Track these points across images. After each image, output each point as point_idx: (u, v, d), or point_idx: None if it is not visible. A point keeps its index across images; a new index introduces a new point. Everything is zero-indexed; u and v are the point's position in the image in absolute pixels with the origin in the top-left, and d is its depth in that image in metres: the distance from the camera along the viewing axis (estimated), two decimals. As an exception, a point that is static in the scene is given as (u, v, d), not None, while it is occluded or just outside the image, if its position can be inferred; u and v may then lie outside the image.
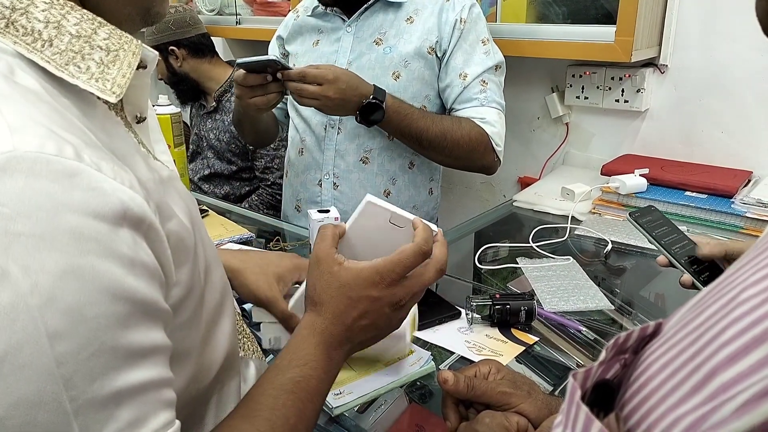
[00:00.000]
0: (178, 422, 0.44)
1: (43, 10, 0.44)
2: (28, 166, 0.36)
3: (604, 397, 0.33)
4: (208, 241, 0.59)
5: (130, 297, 0.40)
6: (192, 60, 2.08)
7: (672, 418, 0.26)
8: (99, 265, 0.38)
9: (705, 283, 0.84)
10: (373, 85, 1.23)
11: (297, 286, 0.82)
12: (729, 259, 0.86)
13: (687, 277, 0.86)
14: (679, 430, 0.25)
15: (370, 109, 1.21)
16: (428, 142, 1.29)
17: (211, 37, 2.14)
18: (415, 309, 0.85)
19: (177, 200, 0.51)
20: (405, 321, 0.79)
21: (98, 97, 0.46)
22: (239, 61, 1.14)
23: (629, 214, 0.93)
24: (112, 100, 0.44)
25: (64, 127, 0.40)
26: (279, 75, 1.16)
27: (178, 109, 1.45)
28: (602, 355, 0.32)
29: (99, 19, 0.46)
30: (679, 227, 0.91)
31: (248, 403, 0.54)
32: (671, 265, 0.88)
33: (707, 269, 0.85)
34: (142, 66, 0.51)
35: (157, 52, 0.53)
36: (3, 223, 0.35)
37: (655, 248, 0.90)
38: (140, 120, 0.55)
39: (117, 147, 0.46)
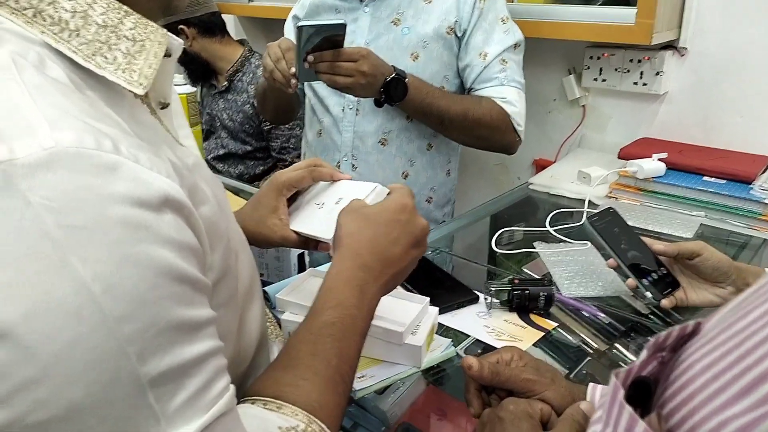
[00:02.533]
0: (233, 386, 0.46)
1: (69, 0, 0.43)
2: (70, 161, 0.37)
3: (640, 394, 0.34)
4: (234, 224, 0.60)
5: (183, 277, 0.41)
6: (202, 39, 2.06)
7: (717, 421, 0.26)
8: (151, 251, 0.39)
9: (649, 288, 0.92)
10: (392, 65, 1.23)
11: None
12: (681, 258, 0.91)
13: (631, 281, 0.93)
14: None
15: (394, 86, 1.21)
16: (449, 121, 1.29)
17: (222, 15, 2.13)
18: (435, 321, 0.86)
19: (205, 186, 0.52)
20: (423, 335, 0.81)
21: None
22: (301, 23, 1.12)
23: (587, 218, 1.00)
24: (140, 91, 0.45)
25: (99, 119, 0.40)
26: (310, 57, 1.15)
27: (194, 89, 1.45)
28: (643, 354, 0.32)
29: (125, 8, 0.46)
30: (644, 229, 1.02)
31: (288, 352, 0.56)
32: (618, 267, 0.95)
33: (658, 275, 0.92)
34: (167, 54, 0.51)
35: (181, 41, 0.53)
36: (54, 218, 0.36)
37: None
38: (164, 106, 0.55)
39: (147, 136, 0.46)
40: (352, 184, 0.80)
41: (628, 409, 0.29)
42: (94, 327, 0.37)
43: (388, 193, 0.70)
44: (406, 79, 1.23)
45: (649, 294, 0.91)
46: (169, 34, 0.50)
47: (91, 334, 0.37)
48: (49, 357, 0.36)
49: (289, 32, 1.49)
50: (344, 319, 0.57)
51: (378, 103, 1.29)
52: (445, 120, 1.29)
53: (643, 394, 0.33)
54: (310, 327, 0.57)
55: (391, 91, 1.21)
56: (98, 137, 0.38)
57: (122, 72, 0.44)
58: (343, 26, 1.12)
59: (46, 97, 0.39)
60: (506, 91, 1.33)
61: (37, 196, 0.35)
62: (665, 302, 0.90)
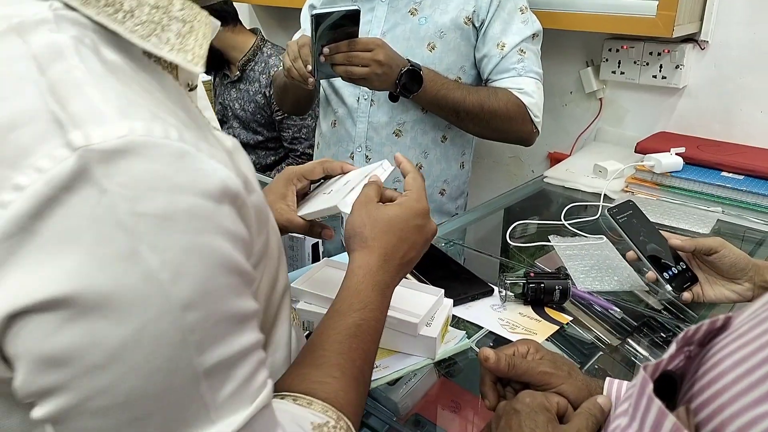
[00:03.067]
0: (270, 380, 0.47)
1: None
2: (142, 150, 0.37)
3: (665, 389, 0.33)
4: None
5: (238, 269, 0.42)
6: None
7: (749, 417, 0.26)
8: (213, 241, 0.40)
9: (669, 281, 0.90)
10: (406, 58, 1.22)
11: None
12: (698, 254, 0.90)
13: (651, 273, 0.92)
14: (760, 430, 0.25)
15: (409, 77, 1.20)
16: (465, 113, 1.28)
17: (236, 4, 2.12)
18: (449, 313, 0.86)
19: (246, 170, 0.52)
20: (438, 326, 0.81)
21: (166, 69, 0.46)
22: (316, 11, 1.10)
23: (607, 210, 0.98)
24: (198, 70, 0.45)
25: (159, 107, 0.41)
26: (326, 50, 1.14)
27: (209, 77, 1.44)
28: (672, 348, 0.32)
29: None
30: (660, 223, 1.00)
31: (315, 350, 0.57)
32: (639, 260, 0.94)
33: (678, 270, 0.91)
34: None
35: (219, 22, 0.53)
36: (128, 206, 0.36)
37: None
38: (192, 88, 0.55)
39: (194, 122, 0.46)
40: (359, 170, 0.81)
41: (658, 403, 0.29)
42: (160, 315, 0.37)
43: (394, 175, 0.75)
44: (421, 71, 1.22)
45: (669, 287, 0.90)
46: (211, 16, 0.50)
47: (157, 322, 0.37)
48: (116, 344, 0.36)
49: (305, 21, 1.48)
50: (369, 322, 0.60)
51: (393, 98, 1.28)
52: (461, 112, 1.28)
53: (668, 389, 0.32)
54: (338, 327, 0.59)
55: (406, 82, 1.20)
56: (165, 126, 0.39)
57: (177, 52, 0.45)
58: (358, 12, 1.11)
59: (111, 86, 0.39)
60: (523, 82, 1.32)
61: (112, 184, 0.36)
62: (686, 295, 0.89)
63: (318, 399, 0.53)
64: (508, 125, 1.32)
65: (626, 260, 0.97)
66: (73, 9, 0.42)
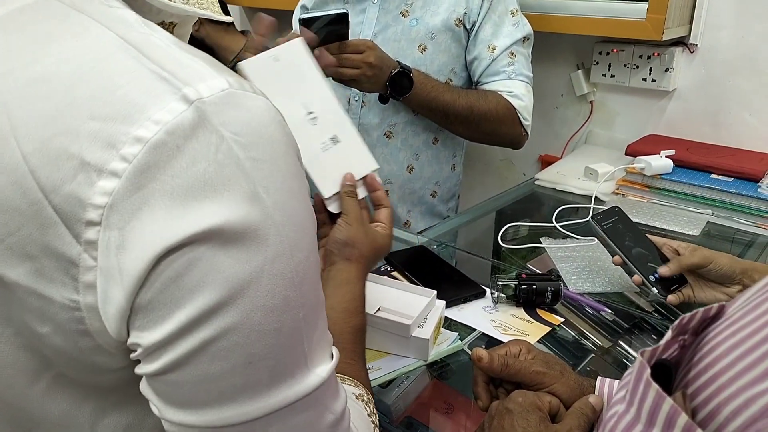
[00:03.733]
0: None
1: None
2: (243, 101, 0.39)
3: (660, 377, 0.33)
4: None
5: (313, 214, 0.44)
6: (208, 25, 2.05)
7: (745, 398, 0.26)
8: (301, 186, 0.42)
9: (655, 284, 0.91)
10: (396, 60, 1.22)
11: None
12: (689, 272, 0.91)
13: (637, 277, 0.93)
14: (756, 409, 0.25)
15: (399, 79, 1.20)
16: (455, 116, 1.28)
17: (229, 6, 2.11)
18: (441, 315, 0.86)
19: None
20: (430, 328, 0.81)
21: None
22: (303, 16, 1.09)
23: (591, 217, 1.00)
24: (228, 19, 0.49)
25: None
26: (316, 52, 1.13)
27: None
28: (667, 334, 0.32)
29: None
30: (642, 229, 0.98)
31: (333, 337, 0.60)
32: (623, 263, 0.95)
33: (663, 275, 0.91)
34: None
35: None
36: (244, 151, 0.38)
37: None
38: None
39: None
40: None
41: (655, 387, 0.29)
42: (277, 253, 0.39)
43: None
44: (411, 73, 1.22)
45: (654, 290, 0.90)
46: None
47: (274, 261, 0.39)
48: (240, 282, 0.38)
49: (297, 22, 1.48)
50: (365, 324, 0.68)
51: (383, 99, 1.28)
52: (450, 114, 1.28)
53: (663, 379, 0.32)
54: (350, 323, 0.65)
55: (396, 84, 1.20)
56: (248, 83, 0.41)
57: (201, 9, 0.48)
58: (346, 15, 1.11)
59: (186, 48, 0.41)
60: (513, 85, 1.32)
61: (228, 131, 0.38)
62: (672, 298, 0.89)
63: (349, 376, 0.58)
64: (497, 128, 1.32)
65: (614, 264, 0.98)
66: None
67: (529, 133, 1.37)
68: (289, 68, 0.75)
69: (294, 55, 0.76)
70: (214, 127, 0.37)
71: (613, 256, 0.97)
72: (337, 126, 0.76)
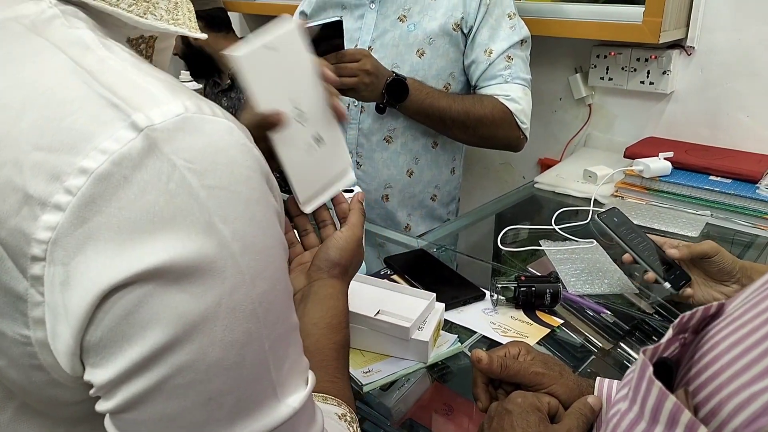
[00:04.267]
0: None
1: None
2: (199, 126, 0.38)
3: (661, 376, 0.34)
4: None
5: (282, 242, 0.43)
6: (208, 33, 2.05)
7: (746, 395, 0.26)
8: (267, 212, 0.41)
9: (667, 280, 0.90)
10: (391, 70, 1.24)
11: None
12: (695, 260, 0.90)
13: (651, 274, 0.92)
14: (758, 406, 0.26)
15: (395, 86, 1.21)
16: (451, 121, 1.29)
17: (228, 12, 2.12)
18: (441, 317, 0.86)
19: None
20: (430, 330, 0.81)
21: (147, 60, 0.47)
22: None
23: (596, 216, 0.99)
24: (202, 36, 0.46)
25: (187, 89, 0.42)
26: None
27: (200, 85, 1.44)
28: (668, 333, 0.32)
29: None
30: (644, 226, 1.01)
31: (314, 356, 0.59)
32: (635, 262, 0.94)
33: (669, 267, 0.91)
34: None
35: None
36: (198, 180, 0.37)
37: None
38: None
39: None
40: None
41: (658, 384, 0.29)
42: (235, 286, 0.38)
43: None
44: (406, 80, 1.23)
45: (668, 285, 0.90)
46: None
47: (233, 294, 0.38)
48: (195, 317, 0.37)
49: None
50: (348, 339, 0.66)
51: (379, 109, 1.29)
52: (447, 120, 1.29)
53: (663, 377, 0.33)
54: (333, 339, 0.63)
55: (393, 92, 1.21)
56: (208, 105, 0.40)
57: (176, 25, 0.46)
58: (340, 22, 1.11)
59: (146, 71, 0.40)
60: (510, 89, 1.32)
61: (180, 159, 0.36)
62: (689, 291, 0.90)
63: (331, 395, 0.57)
64: (494, 132, 1.32)
65: (622, 263, 0.97)
66: (67, 2, 0.42)
67: (527, 136, 1.37)
68: (283, 60, 0.69)
69: (288, 45, 0.70)
70: (165, 155, 0.36)
71: (621, 255, 0.96)
72: (322, 125, 0.73)
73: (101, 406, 0.38)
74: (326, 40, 1.12)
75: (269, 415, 0.41)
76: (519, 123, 1.33)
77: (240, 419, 0.40)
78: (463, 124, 1.29)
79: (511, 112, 1.32)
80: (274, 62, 0.67)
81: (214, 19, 2.04)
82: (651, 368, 0.31)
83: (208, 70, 2.11)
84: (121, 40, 0.45)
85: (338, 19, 1.11)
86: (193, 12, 0.48)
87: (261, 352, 0.40)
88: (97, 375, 0.37)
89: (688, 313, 0.34)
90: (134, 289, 0.35)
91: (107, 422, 0.39)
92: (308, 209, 0.73)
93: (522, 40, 1.35)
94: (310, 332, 0.61)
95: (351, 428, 0.55)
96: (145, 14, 0.44)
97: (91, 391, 0.38)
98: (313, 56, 0.72)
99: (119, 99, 0.37)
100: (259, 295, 0.39)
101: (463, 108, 1.28)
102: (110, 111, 0.36)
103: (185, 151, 0.36)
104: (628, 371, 0.38)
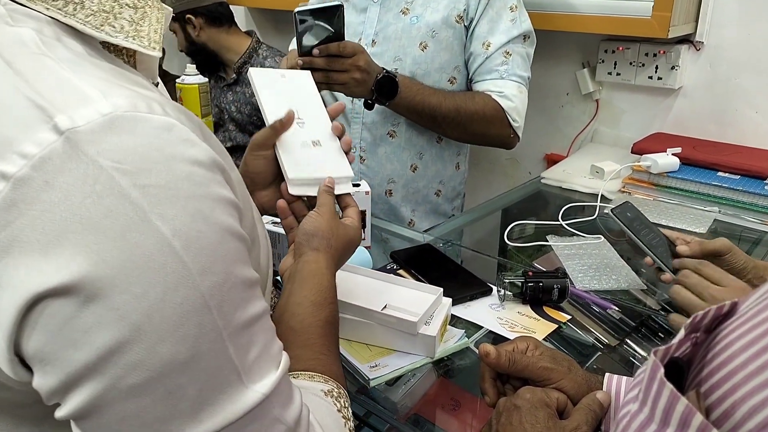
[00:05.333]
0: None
1: None
2: (130, 125, 0.37)
3: (672, 376, 0.33)
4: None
5: (238, 234, 0.42)
6: (209, 29, 2.05)
7: (762, 397, 0.26)
8: (214, 207, 0.40)
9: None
10: (381, 66, 1.22)
11: None
12: (707, 258, 0.88)
13: (668, 275, 0.90)
14: None
15: (384, 83, 1.20)
16: (442, 118, 1.27)
17: (232, 6, 2.12)
18: (448, 312, 0.86)
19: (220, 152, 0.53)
20: (437, 325, 0.80)
21: (128, 63, 0.46)
22: (299, 9, 1.09)
23: (610, 210, 0.97)
24: (156, 53, 0.45)
25: (137, 85, 0.41)
26: (315, 51, 1.13)
27: (206, 79, 1.44)
28: (680, 333, 0.32)
29: None
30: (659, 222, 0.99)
31: (300, 335, 0.60)
32: (654, 263, 0.92)
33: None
34: None
35: (171, 8, 0.53)
36: (129, 179, 0.36)
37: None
38: (154, 84, 0.55)
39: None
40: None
41: (670, 386, 0.29)
42: (179, 281, 0.37)
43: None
44: (396, 78, 1.21)
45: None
46: (160, 1, 0.50)
47: (177, 289, 0.37)
48: (140, 316, 0.36)
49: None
50: (335, 314, 0.65)
51: (368, 105, 1.27)
52: (438, 117, 1.27)
53: (674, 377, 0.32)
54: (318, 316, 0.62)
55: (382, 88, 1.20)
56: (148, 102, 0.39)
57: (133, 39, 0.45)
58: (339, 7, 1.10)
59: (84, 69, 0.39)
60: (505, 85, 1.30)
61: (107, 160, 0.36)
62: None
63: (318, 372, 0.56)
64: (485, 129, 1.30)
65: (629, 259, 0.96)
66: (22, 5, 0.42)
67: (519, 135, 1.34)
68: (292, 85, 0.80)
69: (300, 79, 0.82)
70: (89, 157, 0.35)
71: (629, 251, 0.95)
72: (323, 137, 0.77)
73: (59, 413, 0.38)
74: (326, 22, 1.11)
75: (237, 402, 0.41)
76: (510, 121, 1.30)
77: (205, 409, 0.40)
78: (453, 120, 1.28)
79: (502, 109, 1.29)
80: (281, 84, 0.79)
81: (214, 15, 2.04)
82: (662, 370, 0.31)
83: (212, 66, 2.11)
84: (93, 42, 0.45)
85: (339, 3, 1.10)
86: (162, 23, 0.47)
87: (218, 342, 0.40)
88: (44, 381, 0.37)
89: (700, 312, 0.33)
90: (70, 295, 0.35)
91: (73, 426, 0.39)
92: (294, 190, 0.74)
93: (523, 35, 1.31)
94: (295, 312, 0.61)
95: (338, 403, 0.55)
96: (102, 26, 0.43)
97: (45, 398, 0.38)
98: (318, 93, 0.82)
99: (45, 101, 0.36)
100: (210, 289, 0.39)
101: (454, 105, 1.27)
102: (34, 113, 0.36)
103: (113, 152, 0.36)
104: (639, 371, 0.38)
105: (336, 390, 0.56)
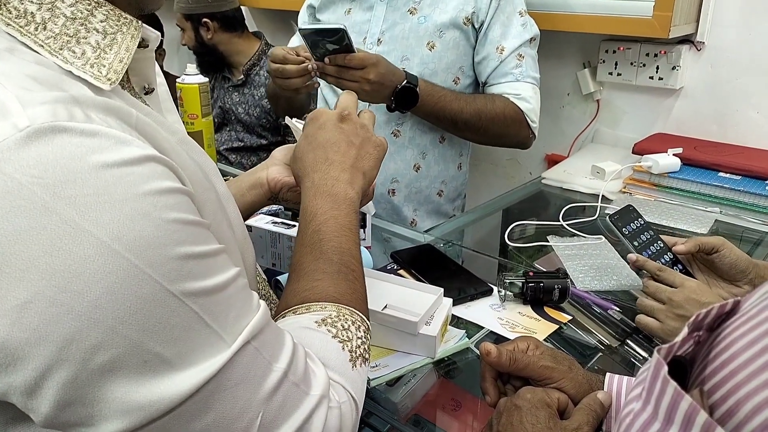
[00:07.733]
0: (262, 301, 0.50)
1: None
2: (49, 136, 0.37)
3: (674, 375, 0.33)
4: (237, 214, 0.62)
5: (188, 221, 0.43)
6: (223, 33, 2.07)
7: (765, 395, 0.26)
8: (156, 202, 0.40)
9: None
10: (404, 70, 1.22)
11: None
12: (700, 253, 0.89)
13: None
14: None
15: (405, 94, 1.20)
16: (464, 123, 1.29)
17: (241, 5, 2.13)
18: (449, 312, 0.86)
19: (197, 159, 0.54)
20: (437, 325, 0.80)
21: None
22: (302, 27, 1.11)
23: (608, 216, 0.98)
24: (106, 87, 0.44)
25: (68, 89, 0.41)
26: (326, 60, 1.14)
27: (206, 79, 1.44)
28: (684, 331, 0.32)
29: None
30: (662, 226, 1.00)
31: (294, 268, 0.60)
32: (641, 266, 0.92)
33: (672, 266, 0.91)
34: (143, 45, 0.51)
35: (159, 33, 0.53)
36: (51, 192, 0.37)
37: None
38: (148, 91, 0.55)
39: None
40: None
41: (673, 384, 0.28)
42: (128, 275, 0.38)
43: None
44: (417, 87, 1.22)
45: None
46: (145, 26, 0.50)
47: (125, 281, 0.38)
48: (88, 307, 0.37)
49: (303, 21, 1.48)
50: (327, 222, 0.62)
51: (389, 108, 1.28)
52: (459, 123, 1.29)
53: (677, 376, 0.32)
54: (302, 241, 0.62)
55: (402, 99, 1.21)
56: (69, 108, 0.39)
57: (90, 67, 0.44)
58: (341, 31, 1.10)
59: (15, 80, 0.39)
60: (521, 87, 1.32)
61: (26, 176, 0.36)
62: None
63: (312, 302, 0.56)
64: (505, 131, 1.32)
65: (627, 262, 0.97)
66: None
67: (536, 134, 1.37)
68: None
69: None
70: (7, 175, 0.36)
71: (624, 255, 0.96)
72: None
73: (42, 411, 0.39)
74: (330, 44, 1.12)
75: (224, 352, 0.43)
76: (530, 122, 1.33)
77: (188, 365, 0.41)
78: (474, 125, 1.30)
79: (522, 111, 1.31)
80: None
81: (230, 20, 2.07)
82: (665, 368, 0.30)
83: (217, 67, 2.13)
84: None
85: (340, 26, 1.09)
86: (131, 53, 0.47)
87: (189, 314, 0.41)
88: (14, 379, 0.38)
89: (703, 310, 0.33)
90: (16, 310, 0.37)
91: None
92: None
93: (532, 38, 1.34)
94: (293, 254, 0.62)
95: (334, 329, 0.55)
96: (60, 50, 0.43)
97: (21, 404, 0.39)
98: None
99: None
100: (165, 275, 0.40)
101: (475, 110, 1.28)
102: None
103: (32, 167, 0.36)
104: (642, 370, 0.37)
105: (334, 314, 0.56)
